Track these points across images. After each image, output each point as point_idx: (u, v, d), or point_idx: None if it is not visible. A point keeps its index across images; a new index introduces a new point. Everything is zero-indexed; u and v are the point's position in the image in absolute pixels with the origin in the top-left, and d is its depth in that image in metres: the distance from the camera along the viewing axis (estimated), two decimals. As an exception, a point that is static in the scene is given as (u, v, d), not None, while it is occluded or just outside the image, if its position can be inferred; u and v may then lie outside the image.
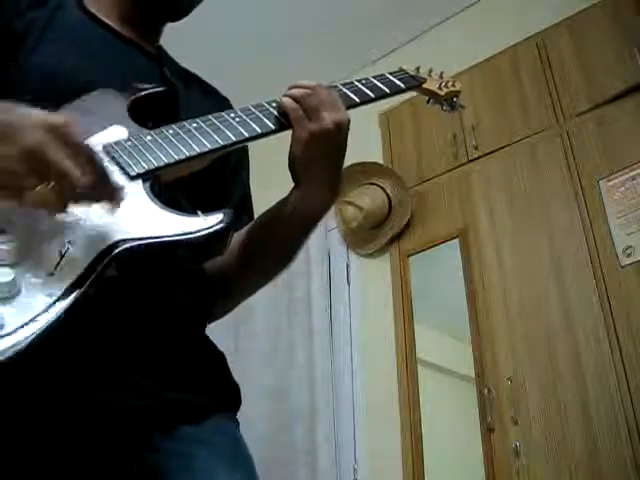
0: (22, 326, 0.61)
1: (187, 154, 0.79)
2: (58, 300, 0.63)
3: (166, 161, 0.77)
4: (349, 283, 3.04)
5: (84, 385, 0.76)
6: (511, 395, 2.24)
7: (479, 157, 2.71)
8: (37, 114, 0.67)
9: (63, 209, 0.67)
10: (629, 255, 2.17)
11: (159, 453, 0.79)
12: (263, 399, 2.86)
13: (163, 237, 0.70)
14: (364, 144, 2.89)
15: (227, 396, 0.92)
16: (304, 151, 0.85)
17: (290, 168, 0.88)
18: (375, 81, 0.97)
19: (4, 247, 0.65)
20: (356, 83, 0.96)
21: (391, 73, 1.02)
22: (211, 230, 0.71)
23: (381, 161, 3.04)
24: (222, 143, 0.81)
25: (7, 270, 0.63)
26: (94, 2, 1.00)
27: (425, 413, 2.53)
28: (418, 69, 1.09)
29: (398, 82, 1.01)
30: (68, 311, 0.63)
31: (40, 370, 0.70)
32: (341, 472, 2.68)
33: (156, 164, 0.77)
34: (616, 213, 2.25)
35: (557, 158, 2.47)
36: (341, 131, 0.85)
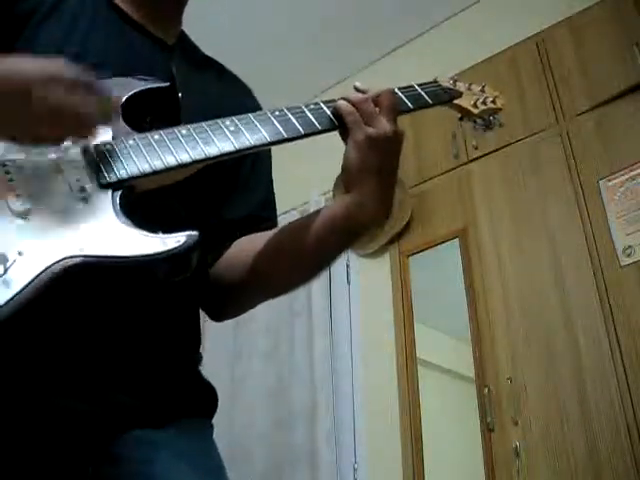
0: None
1: (165, 165, 0.75)
2: None
3: (141, 171, 0.74)
4: (349, 283, 3.04)
5: (34, 390, 0.74)
6: (511, 395, 2.24)
7: (479, 157, 2.71)
8: (33, 65, 0.69)
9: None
10: (629, 255, 2.17)
11: (117, 459, 0.77)
12: (263, 399, 2.86)
13: (115, 257, 0.68)
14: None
15: (196, 401, 0.89)
16: (359, 156, 0.82)
17: (343, 173, 0.85)
18: (399, 95, 0.91)
19: None
20: (397, 91, 0.91)
21: (422, 85, 0.95)
22: (167, 254, 0.69)
23: (381, 161, 3.04)
24: (205, 155, 0.77)
25: None
26: None
27: (425, 413, 2.53)
28: (455, 82, 1.01)
29: (425, 97, 0.93)
30: (4, 323, 0.62)
31: None
32: (341, 472, 2.68)
33: (129, 173, 0.73)
34: (616, 213, 2.25)
35: (557, 158, 2.47)
36: (398, 138, 0.83)
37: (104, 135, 0.77)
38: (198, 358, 0.94)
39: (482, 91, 1.03)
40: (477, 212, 2.63)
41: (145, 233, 0.70)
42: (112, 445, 0.78)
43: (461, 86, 1.01)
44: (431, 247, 2.75)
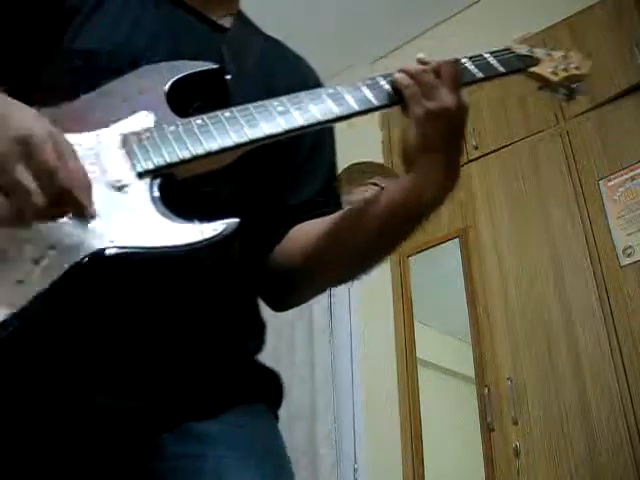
0: None
1: (206, 150, 0.71)
2: (19, 312, 0.60)
3: (180, 158, 0.70)
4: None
5: (77, 388, 0.72)
6: (511, 395, 2.24)
7: (479, 157, 2.71)
8: (19, 119, 0.63)
9: (22, 225, 0.62)
10: (629, 255, 2.17)
11: (167, 456, 0.75)
12: (263, 399, 2.86)
13: (148, 248, 0.65)
14: (364, 144, 2.89)
15: (249, 387, 0.84)
16: (419, 132, 0.75)
17: (402, 151, 0.79)
18: (466, 64, 0.85)
19: None
20: (463, 60, 0.85)
21: (494, 52, 0.88)
22: (205, 243, 0.65)
23: (381, 161, 3.04)
24: (249, 138, 0.73)
25: None
26: None
27: (425, 413, 2.53)
28: (532, 48, 0.91)
29: (497, 65, 0.86)
30: (34, 319, 0.60)
31: (29, 377, 0.68)
32: (341, 472, 2.68)
33: (167, 160, 0.70)
34: (616, 213, 2.25)
35: (557, 158, 2.47)
36: (462, 111, 0.77)
37: (145, 122, 0.74)
38: (254, 345, 0.90)
39: (565, 56, 0.93)
40: (477, 212, 2.63)
41: (182, 222, 0.67)
42: (160, 440, 0.75)
43: (539, 52, 0.92)
44: (431, 247, 2.75)
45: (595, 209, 2.30)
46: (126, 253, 0.64)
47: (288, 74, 0.96)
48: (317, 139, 0.95)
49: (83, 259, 0.63)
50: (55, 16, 0.83)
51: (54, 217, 0.63)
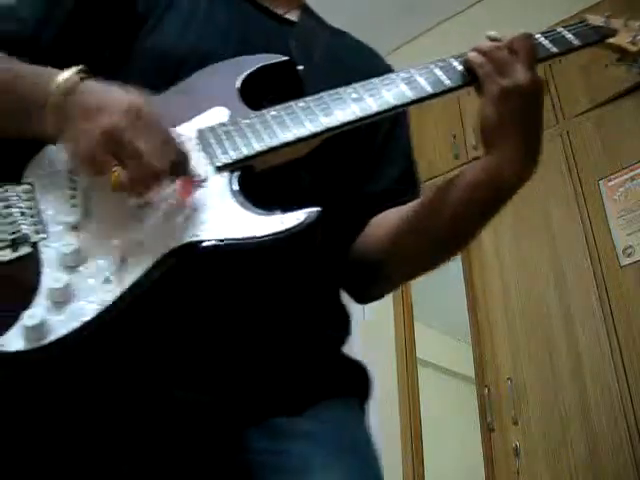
0: (68, 335, 0.60)
1: (281, 141, 0.71)
2: (108, 308, 0.61)
3: (256, 150, 0.70)
4: (349, 283, 3.04)
5: (158, 385, 0.71)
6: (511, 395, 2.24)
7: (479, 157, 2.70)
8: (120, 96, 0.66)
9: (137, 194, 0.65)
10: (629, 255, 2.17)
11: (252, 450, 0.73)
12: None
13: (231, 240, 0.65)
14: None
15: (336, 380, 0.82)
16: (496, 111, 0.74)
17: (480, 132, 0.78)
18: (540, 39, 0.82)
19: (67, 249, 0.64)
20: (537, 36, 0.82)
21: (567, 26, 0.85)
22: (287, 233, 0.65)
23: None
24: (325, 126, 0.72)
25: (63, 275, 0.62)
26: None
27: (425, 413, 2.53)
28: (608, 18, 0.89)
29: (572, 38, 0.84)
30: (115, 319, 0.62)
31: (110, 372, 0.68)
32: (341, 472, 2.68)
33: (245, 153, 0.70)
34: (616, 213, 2.25)
35: (557, 158, 2.47)
36: (537, 87, 0.75)
37: (220, 116, 0.74)
38: (339, 336, 0.88)
39: None
40: (477, 212, 2.63)
41: (263, 213, 0.67)
42: (246, 434, 0.73)
43: (616, 23, 0.89)
44: (431, 247, 2.75)
45: (595, 209, 2.30)
46: (212, 246, 0.65)
47: (357, 63, 0.95)
48: (392, 126, 0.94)
49: (169, 254, 0.64)
50: (127, 22, 0.85)
51: (168, 182, 0.66)
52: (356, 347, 3.10)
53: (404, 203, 0.87)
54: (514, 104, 0.74)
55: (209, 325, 0.73)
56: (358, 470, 0.76)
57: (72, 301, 0.62)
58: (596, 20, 0.87)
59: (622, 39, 0.88)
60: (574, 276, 2.27)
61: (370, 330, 2.88)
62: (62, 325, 0.60)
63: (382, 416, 2.65)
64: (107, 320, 0.61)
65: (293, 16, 0.95)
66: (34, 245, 0.65)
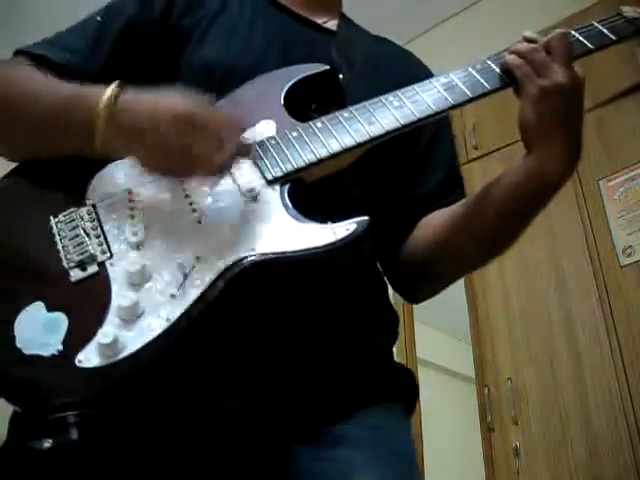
0: (139, 351, 0.62)
1: (330, 152, 0.73)
2: (175, 323, 0.63)
3: (306, 162, 0.72)
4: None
5: (210, 395, 0.72)
6: (511, 395, 2.24)
7: (479, 157, 2.71)
8: (167, 104, 0.69)
9: (218, 175, 0.69)
10: (629, 255, 2.17)
11: (296, 460, 0.74)
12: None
13: (287, 253, 0.67)
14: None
15: (382, 386, 0.83)
16: (535, 111, 0.77)
17: (521, 132, 0.80)
18: (576, 36, 0.83)
19: (133, 268, 0.66)
20: (573, 33, 0.83)
21: (602, 21, 0.85)
22: (339, 244, 0.67)
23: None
24: (370, 136, 0.74)
25: (130, 293, 0.65)
26: None
27: (425, 413, 2.53)
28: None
29: (608, 33, 0.83)
30: (183, 333, 0.64)
31: (168, 385, 0.68)
32: (341, 472, 2.68)
33: (294, 166, 0.72)
34: (616, 213, 2.25)
35: (557, 158, 2.47)
36: (577, 86, 0.78)
37: (267, 129, 0.77)
38: (388, 342, 0.90)
39: None
40: (477, 212, 2.63)
41: (315, 225, 0.69)
42: (292, 443, 0.75)
43: None
44: (431, 247, 2.75)
45: (595, 209, 2.30)
46: (268, 259, 0.67)
47: (398, 69, 0.97)
48: (434, 130, 0.96)
49: (228, 268, 0.66)
50: (172, 38, 0.88)
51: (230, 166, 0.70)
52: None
53: (450, 204, 0.90)
54: (554, 104, 0.76)
55: (265, 335, 0.75)
56: (400, 478, 0.77)
57: (141, 318, 0.64)
58: (629, 12, 0.86)
59: None
60: (574, 276, 2.27)
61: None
62: (133, 341, 0.62)
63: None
64: (175, 334, 0.63)
65: (332, 25, 0.97)
66: (101, 264, 0.67)
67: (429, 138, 0.96)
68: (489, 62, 0.81)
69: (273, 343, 0.75)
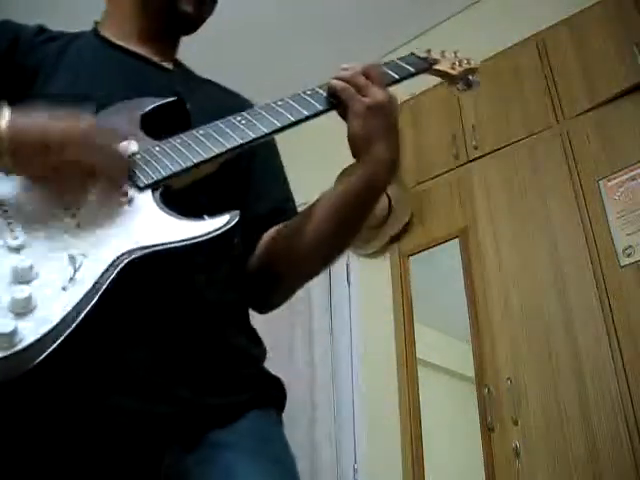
0: (39, 340, 0.64)
1: (194, 160, 0.82)
2: (72, 312, 0.66)
3: (173, 170, 0.81)
4: (349, 283, 3.04)
5: (96, 392, 0.76)
6: (511, 395, 2.24)
7: (479, 157, 2.71)
8: (69, 126, 0.75)
9: (124, 196, 0.76)
10: (629, 255, 2.17)
11: (177, 461, 0.79)
12: (263, 399, 2.86)
13: (169, 243, 0.73)
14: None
15: (261, 393, 0.91)
16: (362, 124, 0.87)
17: (351, 145, 0.90)
18: (384, 68, 0.99)
19: (21, 265, 0.68)
20: (382, 66, 0.99)
21: (400, 58, 1.03)
22: (217, 232, 0.74)
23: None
24: (227, 147, 0.84)
25: (23, 287, 0.67)
26: (109, 27, 1.05)
27: (425, 413, 2.53)
28: (429, 51, 1.09)
29: (407, 66, 1.02)
30: (83, 321, 0.66)
31: (52, 379, 0.71)
32: (341, 472, 2.68)
33: (163, 173, 0.80)
34: (616, 213, 2.25)
35: (557, 158, 2.47)
36: (393, 103, 0.89)
37: (131, 147, 0.83)
38: (260, 352, 0.98)
39: (455, 56, 1.12)
40: (477, 212, 2.63)
41: (191, 219, 0.76)
42: (174, 447, 0.79)
43: (435, 54, 1.10)
44: (431, 247, 2.75)
45: (595, 209, 2.30)
46: (154, 251, 0.73)
47: (228, 102, 1.07)
48: (266, 158, 1.08)
49: (116, 260, 0.70)
50: (18, 76, 0.92)
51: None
52: (356, 347, 3.11)
53: (290, 219, 1.01)
54: (377, 118, 0.88)
55: (150, 330, 0.80)
56: (279, 474, 0.84)
57: (35, 311, 0.66)
58: (420, 52, 1.07)
59: (445, 65, 1.09)
60: (574, 276, 2.27)
61: (370, 330, 2.88)
62: (32, 332, 0.64)
63: (382, 416, 2.65)
64: (72, 323, 0.65)
65: (168, 65, 1.07)
66: None
67: (262, 167, 1.07)
68: (316, 88, 0.93)
69: (159, 337, 0.81)
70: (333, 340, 2.95)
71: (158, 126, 0.89)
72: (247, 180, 1.04)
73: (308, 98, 0.91)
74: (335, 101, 0.90)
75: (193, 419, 0.80)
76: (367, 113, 0.87)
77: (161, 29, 1.05)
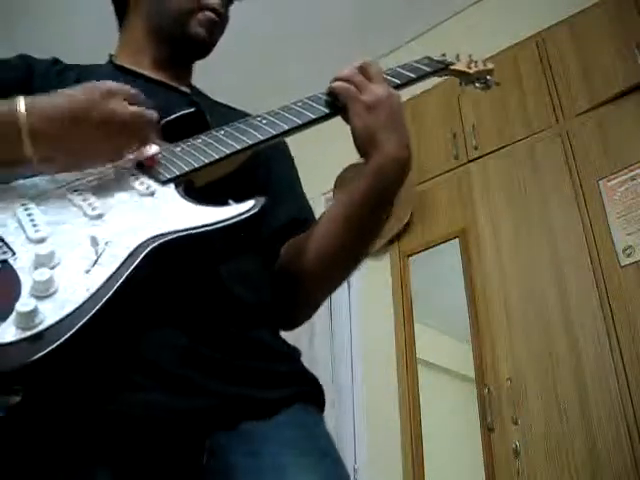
0: (61, 320, 0.63)
1: (215, 156, 0.84)
2: (95, 294, 0.65)
3: (196, 165, 0.83)
4: (349, 283, 3.04)
5: (126, 384, 0.73)
6: (511, 395, 2.24)
7: (479, 157, 2.71)
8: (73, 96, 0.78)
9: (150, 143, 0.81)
10: (629, 255, 2.17)
11: (223, 454, 0.77)
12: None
13: (196, 227, 0.73)
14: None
15: (304, 388, 0.90)
16: (366, 122, 0.87)
17: (357, 145, 0.90)
18: (400, 69, 0.99)
19: (42, 251, 0.68)
20: (397, 68, 1.00)
21: (416, 61, 1.04)
22: (243, 216, 0.75)
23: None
24: (249, 142, 0.86)
25: (45, 270, 0.66)
26: (126, 57, 1.08)
27: (425, 413, 2.53)
28: (444, 55, 1.11)
29: (424, 67, 1.03)
30: (106, 304, 0.65)
31: (74, 371, 0.69)
32: (341, 472, 2.67)
33: (186, 168, 0.82)
34: (616, 213, 2.25)
35: (557, 158, 2.47)
36: (394, 98, 0.89)
37: (152, 150, 0.85)
38: (294, 350, 1.00)
39: (470, 58, 1.14)
40: (477, 212, 2.63)
41: (216, 206, 0.76)
42: (217, 438, 0.77)
43: (451, 57, 1.12)
44: (431, 247, 2.75)
45: (595, 209, 2.30)
46: (179, 236, 0.72)
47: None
48: (282, 170, 1.09)
49: (140, 246, 0.70)
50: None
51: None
52: (356, 347, 3.11)
53: (306, 230, 0.99)
54: (379, 114, 0.87)
55: (176, 321, 0.79)
56: (332, 475, 0.81)
57: (56, 293, 0.65)
58: (435, 57, 1.09)
59: (461, 65, 1.12)
60: (574, 276, 2.27)
61: (370, 330, 2.88)
62: (53, 313, 0.63)
63: (382, 416, 2.65)
64: (95, 305, 0.64)
65: (186, 90, 1.10)
66: (4, 262, 0.69)
67: (278, 179, 1.07)
68: (318, 94, 0.93)
69: (190, 334, 0.79)
70: (333, 340, 2.95)
71: (178, 138, 0.90)
72: (264, 193, 1.03)
73: (314, 104, 0.92)
74: (337, 104, 0.91)
75: (230, 411, 0.78)
76: (367, 111, 0.87)
77: (175, 55, 1.08)
